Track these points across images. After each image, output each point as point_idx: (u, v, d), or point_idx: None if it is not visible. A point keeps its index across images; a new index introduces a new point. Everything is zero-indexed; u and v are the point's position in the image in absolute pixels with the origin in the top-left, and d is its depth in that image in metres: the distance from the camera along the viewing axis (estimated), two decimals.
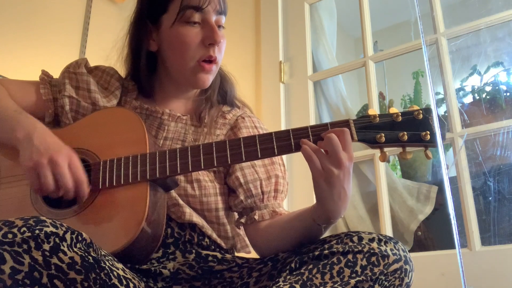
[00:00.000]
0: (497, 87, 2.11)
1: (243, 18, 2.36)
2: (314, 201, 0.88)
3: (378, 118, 0.87)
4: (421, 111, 0.87)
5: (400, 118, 0.86)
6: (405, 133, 0.85)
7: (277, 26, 2.23)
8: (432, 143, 0.85)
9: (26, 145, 0.88)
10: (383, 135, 0.85)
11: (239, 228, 1.05)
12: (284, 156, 1.06)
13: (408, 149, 0.88)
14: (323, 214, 0.85)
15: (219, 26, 1.02)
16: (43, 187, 0.85)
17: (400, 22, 2.90)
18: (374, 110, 0.88)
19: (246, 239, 1.06)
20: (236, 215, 1.06)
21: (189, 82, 1.03)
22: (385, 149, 0.88)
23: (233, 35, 2.35)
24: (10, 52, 1.79)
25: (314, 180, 0.83)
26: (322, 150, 0.82)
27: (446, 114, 1.77)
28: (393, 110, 0.88)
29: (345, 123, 0.86)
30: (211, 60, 1.00)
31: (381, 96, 2.58)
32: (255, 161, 1.02)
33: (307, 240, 0.90)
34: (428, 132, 0.85)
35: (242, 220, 1.00)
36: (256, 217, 0.98)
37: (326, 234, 0.89)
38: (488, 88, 2.13)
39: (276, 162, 1.05)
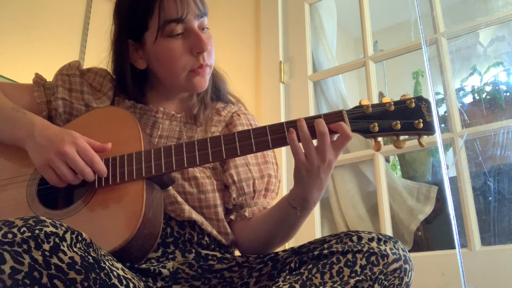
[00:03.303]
0: (497, 87, 2.11)
1: (243, 18, 2.36)
2: None
3: (371, 108, 0.87)
4: (413, 100, 0.87)
5: (392, 107, 0.87)
6: (398, 122, 0.85)
7: (277, 26, 2.23)
8: (425, 130, 0.86)
9: (30, 145, 0.89)
10: (376, 124, 0.86)
11: None
12: (283, 152, 1.07)
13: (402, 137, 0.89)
14: (299, 196, 0.89)
15: (202, 29, 1.00)
16: (62, 179, 0.87)
17: (400, 22, 2.90)
18: (367, 100, 0.89)
19: None
20: None
21: (185, 89, 1.03)
22: (379, 139, 0.88)
23: (233, 35, 2.35)
24: (10, 52, 1.79)
25: (295, 167, 0.87)
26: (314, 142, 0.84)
27: (446, 114, 1.77)
28: (385, 99, 0.88)
29: (339, 114, 0.87)
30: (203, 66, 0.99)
31: (381, 96, 2.58)
32: (249, 160, 1.03)
33: (286, 228, 0.94)
34: (421, 120, 0.85)
35: (232, 217, 1.01)
36: (247, 213, 1.00)
37: (323, 232, 0.90)
38: (488, 88, 2.13)
39: (269, 161, 1.05)
